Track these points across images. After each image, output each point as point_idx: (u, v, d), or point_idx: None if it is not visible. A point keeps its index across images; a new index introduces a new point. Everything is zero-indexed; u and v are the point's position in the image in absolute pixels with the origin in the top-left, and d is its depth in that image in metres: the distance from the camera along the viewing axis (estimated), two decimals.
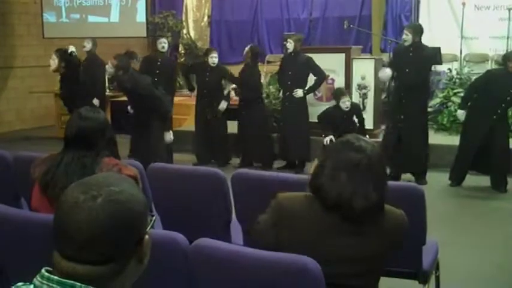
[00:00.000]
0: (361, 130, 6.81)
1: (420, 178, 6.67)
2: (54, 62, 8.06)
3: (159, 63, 7.57)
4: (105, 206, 1.18)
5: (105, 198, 1.19)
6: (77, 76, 8.27)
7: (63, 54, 8.15)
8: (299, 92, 7.27)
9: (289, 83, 7.36)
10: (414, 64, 6.50)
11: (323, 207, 1.95)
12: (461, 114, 6.56)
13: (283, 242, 2.00)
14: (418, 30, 6.62)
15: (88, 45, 8.44)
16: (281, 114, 7.70)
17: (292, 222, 1.99)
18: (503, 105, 6.22)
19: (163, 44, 7.68)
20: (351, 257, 1.95)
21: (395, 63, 6.82)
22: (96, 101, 8.18)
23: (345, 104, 6.78)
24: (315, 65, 7.28)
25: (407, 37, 6.55)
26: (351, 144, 1.97)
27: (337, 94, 6.93)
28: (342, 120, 6.81)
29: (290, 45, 7.32)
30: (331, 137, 6.66)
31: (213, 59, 7.62)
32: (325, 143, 6.68)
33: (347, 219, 1.93)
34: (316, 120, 7.11)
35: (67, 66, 8.18)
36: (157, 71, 7.47)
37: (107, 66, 6.23)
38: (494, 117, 6.21)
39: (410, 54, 6.56)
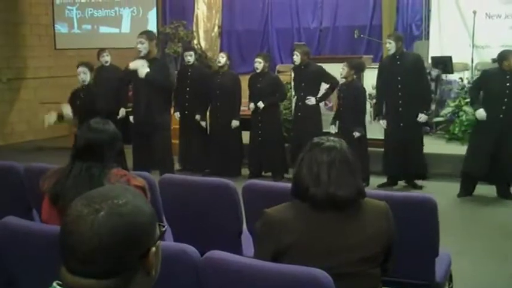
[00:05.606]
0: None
1: (414, 183, 6.76)
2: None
3: (189, 73, 7.82)
4: (107, 220, 1.17)
5: (108, 211, 1.18)
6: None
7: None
8: (312, 100, 7.20)
9: (301, 93, 7.33)
10: (404, 71, 6.58)
11: (311, 207, 2.12)
12: (480, 112, 6.20)
13: (281, 250, 2.12)
14: (399, 38, 6.77)
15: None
16: (293, 124, 7.59)
17: (284, 228, 2.13)
18: (505, 99, 6.11)
19: (188, 57, 7.82)
20: (346, 245, 2.10)
21: (385, 75, 6.80)
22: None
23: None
24: (326, 72, 7.25)
25: (390, 45, 6.65)
26: (320, 145, 2.18)
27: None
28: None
29: (297, 58, 7.26)
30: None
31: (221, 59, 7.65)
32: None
33: (335, 212, 2.11)
34: (329, 131, 7.06)
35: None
36: (188, 81, 7.75)
37: None
38: (501, 115, 6.11)
39: (398, 62, 6.64)
